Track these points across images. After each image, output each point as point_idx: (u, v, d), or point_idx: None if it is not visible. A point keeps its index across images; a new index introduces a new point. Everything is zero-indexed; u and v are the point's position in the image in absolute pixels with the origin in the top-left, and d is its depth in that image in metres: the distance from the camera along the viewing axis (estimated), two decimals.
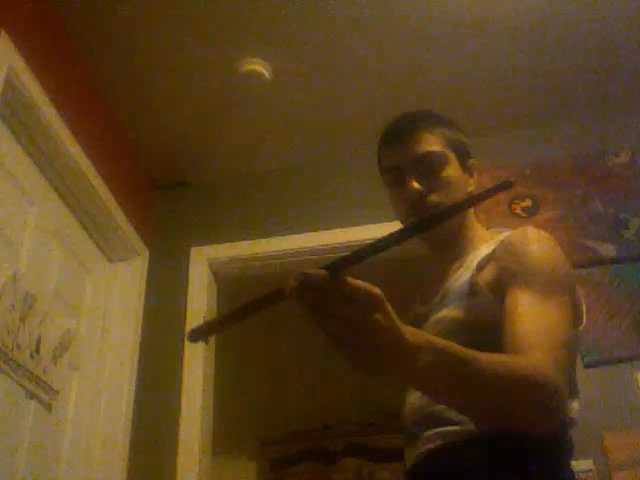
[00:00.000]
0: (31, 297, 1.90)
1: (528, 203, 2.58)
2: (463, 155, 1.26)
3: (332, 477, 3.57)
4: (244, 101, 2.58)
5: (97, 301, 2.46)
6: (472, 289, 1.08)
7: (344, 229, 2.63)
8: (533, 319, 0.95)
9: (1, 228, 1.85)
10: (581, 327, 1.11)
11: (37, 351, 1.90)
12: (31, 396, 1.89)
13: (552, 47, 2.44)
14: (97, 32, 2.28)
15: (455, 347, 0.79)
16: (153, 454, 2.36)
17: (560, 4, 2.27)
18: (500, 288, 1.04)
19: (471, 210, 1.27)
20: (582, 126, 2.71)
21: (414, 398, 1.12)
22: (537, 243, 1.08)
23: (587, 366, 2.20)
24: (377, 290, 0.69)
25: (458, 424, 1.00)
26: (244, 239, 2.75)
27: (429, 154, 1.20)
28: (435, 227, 0.79)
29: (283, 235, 2.71)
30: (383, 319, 0.67)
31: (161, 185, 2.94)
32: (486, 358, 0.82)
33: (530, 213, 2.54)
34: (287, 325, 3.93)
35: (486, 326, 1.01)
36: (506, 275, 1.04)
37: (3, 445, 1.75)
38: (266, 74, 2.43)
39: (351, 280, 0.67)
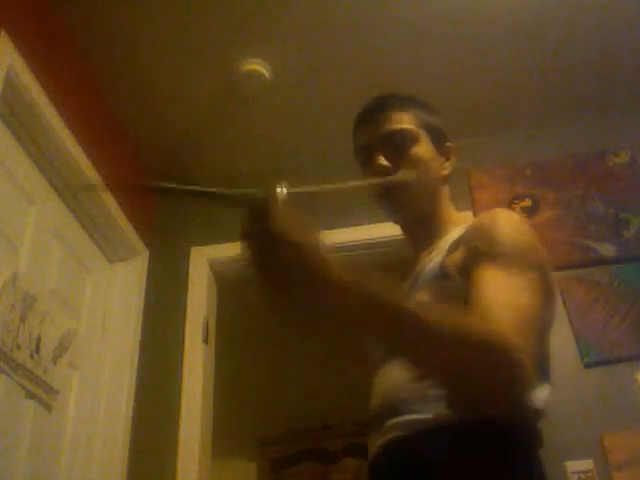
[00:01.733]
0: (31, 297, 1.90)
1: (528, 203, 2.58)
2: (437, 136, 1.24)
3: (332, 477, 3.57)
4: (244, 101, 2.58)
5: (97, 301, 2.46)
6: (442, 272, 1.06)
7: (344, 229, 2.63)
8: (498, 292, 0.91)
9: (1, 228, 1.85)
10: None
11: (37, 351, 1.90)
12: (31, 396, 1.88)
13: (552, 47, 2.44)
14: (97, 32, 2.28)
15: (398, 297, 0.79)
16: (153, 454, 2.36)
17: (560, 4, 2.27)
18: (466, 269, 1.00)
19: (445, 193, 1.25)
20: (582, 126, 2.72)
21: (380, 388, 1.10)
22: (506, 223, 1.05)
23: (587, 366, 2.20)
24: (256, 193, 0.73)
25: (421, 412, 0.97)
26: None
27: (397, 131, 1.19)
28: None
29: None
30: (270, 225, 0.71)
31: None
32: (440, 314, 0.80)
33: (530, 213, 2.54)
34: (287, 325, 3.93)
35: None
36: (474, 254, 1.01)
37: (3, 445, 1.75)
38: (266, 74, 2.43)
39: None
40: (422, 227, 1.21)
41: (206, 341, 2.59)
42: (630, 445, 2.05)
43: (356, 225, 2.62)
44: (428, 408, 0.95)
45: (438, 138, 1.24)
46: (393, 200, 1.18)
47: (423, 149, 1.20)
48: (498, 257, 0.97)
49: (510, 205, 2.58)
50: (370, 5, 2.23)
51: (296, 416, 3.67)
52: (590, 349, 2.23)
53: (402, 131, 1.19)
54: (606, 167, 2.60)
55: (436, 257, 1.11)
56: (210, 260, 2.74)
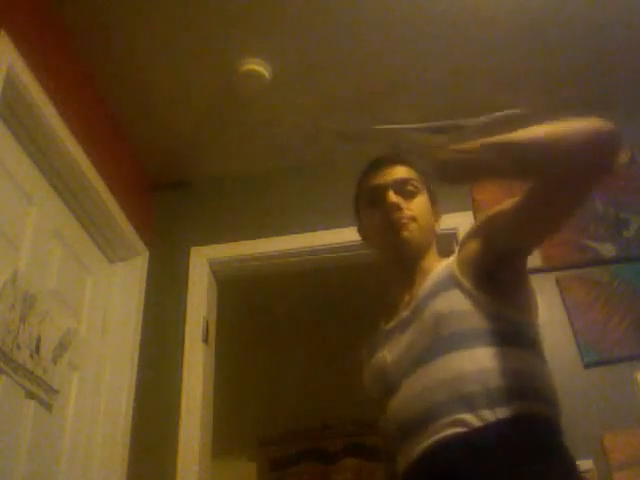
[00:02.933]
0: (31, 297, 1.90)
1: None
2: (433, 198, 1.43)
3: (332, 477, 3.57)
4: (244, 101, 2.58)
5: (97, 301, 2.46)
6: (454, 281, 1.20)
7: (344, 229, 2.62)
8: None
9: (1, 228, 1.85)
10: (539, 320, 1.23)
11: (37, 351, 1.90)
12: (31, 396, 1.88)
13: (552, 47, 2.44)
14: (97, 32, 2.28)
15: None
16: (153, 454, 2.36)
17: (560, 4, 2.27)
18: (477, 258, 1.19)
19: (434, 244, 1.41)
20: None
21: (409, 396, 1.15)
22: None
23: (587, 366, 2.20)
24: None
25: (461, 413, 1.04)
26: (244, 239, 2.75)
27: (408, 179, 1.37)
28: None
29: (283, 235, 2.71)
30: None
31: (161, 185, 2.94)
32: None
33: None
34: (287, 325, 3.94)
35: (469, 315, 1.15)
36: (474, 236, 1.23)
37: (3, 445, 1.75)
38: (266, 74, 2.43)
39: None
40: (413, 266, 1.35)
41: (206, 341, 2.58)
42: (630, 445, 2.05)
43: (356, 225, 2.61)
44: (468, 408, 1.04)
45: (434, 200, 1.43)
46: (400, 232, 1.31)
47: (425, 200, 1.39)
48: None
49: None
50: (370, 5, 2.23)
51: (296, 416, 3.68)
52: (590, 349, 2.23)
53: (413, 181, 1.38)
54: None
55: (434, 278, 1.26)
56: (210, 260, 2.74)
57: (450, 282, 1.20)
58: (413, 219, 1.32)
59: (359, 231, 1.51)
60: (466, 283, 1.18)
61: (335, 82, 2.53)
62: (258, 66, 2.41)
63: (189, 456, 2.32)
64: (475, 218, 2.56)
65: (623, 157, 2.60)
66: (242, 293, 3.19)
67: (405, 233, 1.31)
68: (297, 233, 2.70)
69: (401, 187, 1.35)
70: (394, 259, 1.38)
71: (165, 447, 2.35)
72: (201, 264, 2.73)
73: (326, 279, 3.27)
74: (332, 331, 3.67)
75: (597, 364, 2.20)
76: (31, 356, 1.87)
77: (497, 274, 1.16)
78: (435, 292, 1.21)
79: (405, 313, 1.28)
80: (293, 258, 2.70)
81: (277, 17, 2.27)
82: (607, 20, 2.34)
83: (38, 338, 1.92)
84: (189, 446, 2.34)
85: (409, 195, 1.35)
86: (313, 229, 2.69)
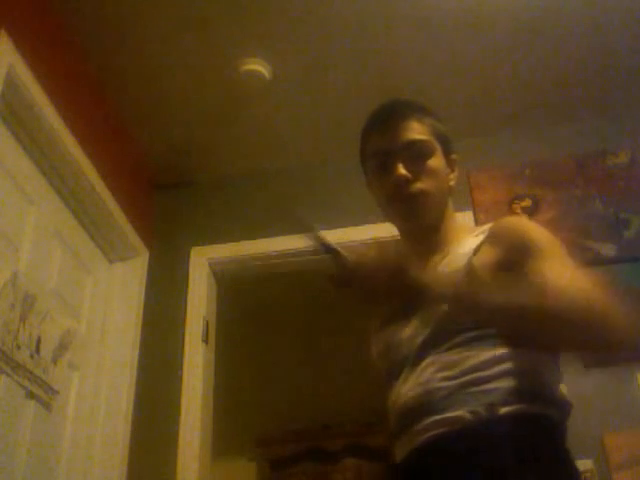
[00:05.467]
0: (31, 297, 1.90)
1: (528, 203, 2.58)
2: (447, 147, 1.29)
3: (332, 477, 3.57)
4: (244, 101, 2.58)
5: (97, 301, 2.46)
6: (469, 273, 1.11)
7: (344, 229, 2.62)
8: (568, 273, 1.05)
9: (1, 228, 1.85)
10: None
11: (37, 351, 1.90)
12: (31, 396, 1.89)
13: (552, 46, 2.44)
14: (97, 32, 2.28)
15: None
16: (153, 454, 2.36)
17: (560, 4, 2.27)
18: (507, 267, 1.10)
19: (451, 204, 1.30)
20: (582, 126, 2.71)
21: (405, 389, 1.12)
22: (530, 224, 1.19)
23: (587, 366, 2.20)
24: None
25: (459, 409, 1.02)
26: (244, 239, 2.75)
27: (418, 142, 1.23)
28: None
29: (283, 235, 2.71)
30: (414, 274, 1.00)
31: (161, 185, 2.94)
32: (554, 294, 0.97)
33: (530, 213, 2.54)
34: (287, 325, 3.94)
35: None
36: (516, 252, 1.10)
37: (3, 445, 1.75)
38: (266, 74, 2.43)
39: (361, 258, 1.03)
40: (430, 236, 1.26)
41: (206, 341, 2.59)
42: (630, 445, 2.05)
43: (356, 225, 2.61)
44: (465, 404, 1.02)
45: (447, 149, 1.29)
46: (410, 208, 1.22)
47: (438, 161, 1.25)
48: (548, 251, 1.09)
49: (510, 205, 2.58)
50: (370, 5, 2.23)
51: (296, 416, 3.67)
52: None
53: (423, 142, 1.24)
54: (606, 167, 2.60)
55: (455, 261, 1.16)
56: (210, 260, 2.74)
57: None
58: (425, 193, 1.21)
59: (367, 186, 1.36)
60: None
61: (335, 82, 2.53)
62: (258, 66, 2.41)
63: (189, 456, 2.32)
64: (475, 218, 2.55)
65: (623, 157, 2.60)
66: (242, 293, 3.19)
67: (417, 209, 1.22)
68: (297, 233, 2.69)
69: (411, 151, 1.22)
70: (407, 231, 1.30)
71: (165, 447, 2.35)
72: (201, 264, 2.73)
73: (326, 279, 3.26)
74: (332, 331, 3.67)
75: (597, 364, 2.20)
76: (31, 356, 1.87)
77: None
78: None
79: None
80: (293, 258, 2.70)
81: (277, 17, 2.27)
82: (607, 20, 2.34)
83: (38, 338, 1.92)
84: (189, 446, 2.34)
85: (421, 158, 1.23)
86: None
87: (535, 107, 2.69)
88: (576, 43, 2.42)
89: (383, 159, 1.25)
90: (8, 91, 1.83)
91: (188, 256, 2.75)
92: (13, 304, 1.81)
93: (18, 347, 1.80)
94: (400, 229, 1.32)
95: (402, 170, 1.20)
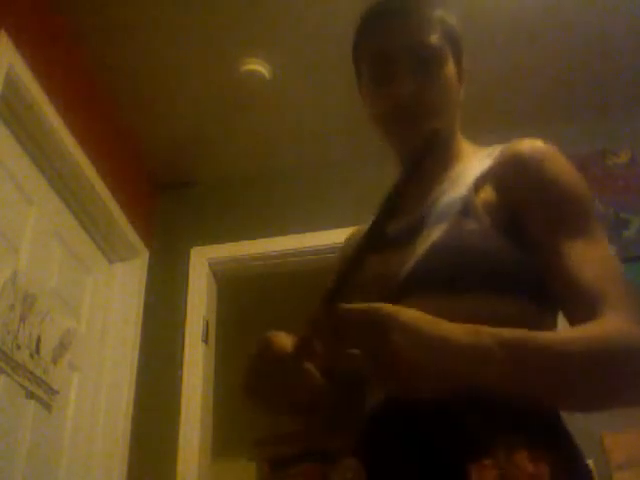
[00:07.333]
0: (31, 297, 1.90)
1: None
2: (458, 53, 1.06)
3: (332, 477, 3.56)
4: (244, 101, 2.58)
5: (97, 301, 2.46)
6: (466, 209, 0.88)
7: (344, 229, 2.61)
8: (592, 265, 0.79)
9: (1, 228, 1.85)
10: None
11: (37, 351, 1.90)
12: (31, 396, 1.89)
13: (552, 47, 2.44)
14: (97, 32, 2.28)
15: (528, 335, 0.68)
16: (153, 454, 2.36)
17: (560, 4, 2.27)
18: (508, 216, 0.86)
19: (455, 119, 1.07)
20: (582, 126, 2.71)
21: None
22: (552, 162, 0.88)
23: None
24: (378, 308, 0.63)
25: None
26: (244, 239, 2.75)
27: (428, 47, 0.97)
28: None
29: (283, 235, 2.71)
30: (401, 338, 0.62)
31: (161, 185, 2.94)
32: (571, 338, 0.70)
33: None
34: (287, 325, 3.94)
35: (474, 253, 0.83)
36: (526, 208, 0.85)
37: (3, 445, 1.75)
38: (266, 74, 2.43)
39: (346, 309, 0.66)
40: (432, 163, 0.94)
41: (206, 341, 2.59)
42: (630, 445, 2.04)
43: (356, 225, 2.61)
44: None
45: (458, 56, 1.06)
46: (410, 116, 0.96)
47: (449, 71, 1.01)
48: (568, 218, 0.83)
49: None
50: (370, 5, 2.23)
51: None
52: None
53: (433, 48, 0.97)
54: (606, 167, 2.60)
55: (452, 190, 0.93)
56: (210, 260, 2.74)
57: (462, 209, 0.88)
58: (433, 113, 0.96)
59: (359, 91, 1.10)
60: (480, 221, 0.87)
61: (335, 82, 2.53)
62: (258, 66, 2.41)
63: (189, 456, 2.32)
64: None
65: (623, 157, 2.60)
66: (242, 293, 3.19)
67: (423, 134, 0.83)
68: (297, 233, 2.70)
69: (418, 57, 0.96)
70: (405, 156, 1.00)
71: (165, 447, 2.35)
72: (201, 264, 2.73)
73: (326, 279, 3.27)
74: None
75: None
76: (31, 356, 1.87)
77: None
78: (444, 214, 0.90)
79: (410, 218, 0.94)
80: (293, 258, 2.70)
81: (277, 17, 2.27)
82: (607, 20, 2.34)
83: (38, 338, 1.92)
84: (189, 446, 2.34)
85: (431, 67, 0.97)
86: (313, 229, 2.69)
87: (535, 107, 2.69)
88: (576, 43, 2.42)
89: (380, 63, 0.99)
90: (8, 91, 1.83)
91: (188, 256, 2.75)
92: (13, 304, 1.81)
93: (18, 347, 1.80)
94: (395, 150, 1.04)
95: (411, 84, 0.94)
